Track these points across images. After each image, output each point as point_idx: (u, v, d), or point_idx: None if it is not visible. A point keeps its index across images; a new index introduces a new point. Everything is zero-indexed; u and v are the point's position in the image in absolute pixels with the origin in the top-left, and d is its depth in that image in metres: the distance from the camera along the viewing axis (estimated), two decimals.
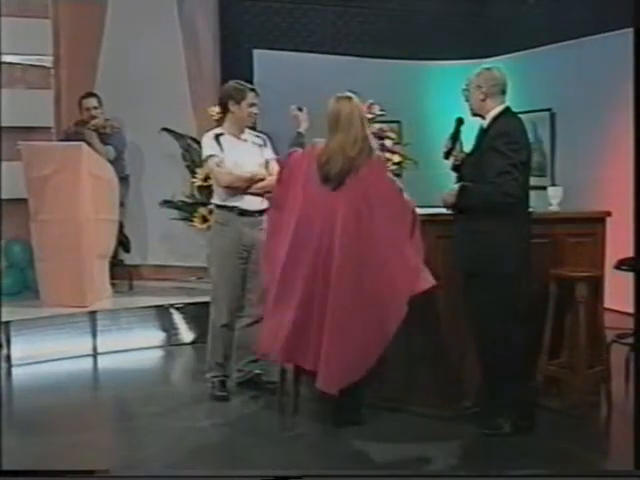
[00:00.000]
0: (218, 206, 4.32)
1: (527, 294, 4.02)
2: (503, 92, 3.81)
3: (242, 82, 4.36)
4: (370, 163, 3.75)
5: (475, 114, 3.86)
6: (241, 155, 4.26)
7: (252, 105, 4.30)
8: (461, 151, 3.91)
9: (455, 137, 3.90)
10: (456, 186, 3.78)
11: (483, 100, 3.78)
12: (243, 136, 4.34)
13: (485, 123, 3.81)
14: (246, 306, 4.35)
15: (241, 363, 4.41)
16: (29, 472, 3.16)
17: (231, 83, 4.38)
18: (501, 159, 3.62)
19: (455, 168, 3.96)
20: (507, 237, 3.67)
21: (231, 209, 4.25)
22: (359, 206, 3.71)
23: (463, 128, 3.93)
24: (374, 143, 3.92)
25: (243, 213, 4.24)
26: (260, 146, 4.38)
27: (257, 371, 4.43)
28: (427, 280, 3.70)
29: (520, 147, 3.70)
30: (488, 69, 3.86)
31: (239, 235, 4.24)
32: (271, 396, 4.19)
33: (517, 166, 3.63)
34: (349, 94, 3.87)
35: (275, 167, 4.27)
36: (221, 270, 4.27)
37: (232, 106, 4.27)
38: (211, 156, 4.24)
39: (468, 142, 3.94)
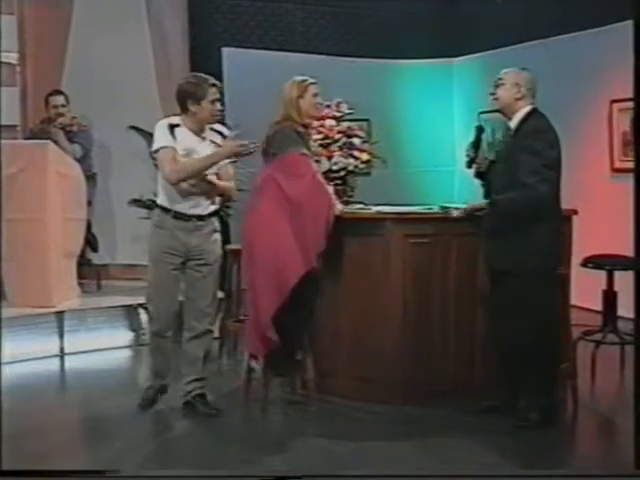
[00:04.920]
0: (157, 206, 3.97)
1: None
2: (534, 95, 3.82)
3: (201, 76, 3.90)
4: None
5: (499, 111, 3.84)
6: (196, 155, 3.84)
7: (214, 102, 3.87)
8: (485, 158, 3.91)
9: (477, 145, 3.92)
10: (484, 201, 3.76)
11: (518, 99, 3.77)
12: (203, 133, 3.91)
13: (513, 123, 3.80)
14: (188, 318, 3.99)
15: (186, 379, 4.01)
16: (31, 472, 3.10)
17: (189, 79, 3.93)
18: (535, 158, 3.62)
19: (479, 175, 3.96)
20: (545, 235, 3.69)
21: (167, 211, 3.88)
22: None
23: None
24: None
25: (178, 217, 3.86)
26: (219, 146, 3.94)
27: (199, 392, 3.99)
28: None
29: (553, 144, 3.71)
30: (526, 70, 3.85)
31: (172, 240, 3.87)
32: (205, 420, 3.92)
33: (549, 166, 3.65)
34: (300, 78, 4.01)
35: (229, 170, 3.99)
36: (152, 275, 3.96)
37: (191, 106, 3.81)
38: (164, 148, 3.79)
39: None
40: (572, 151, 6.72)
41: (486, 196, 3.86)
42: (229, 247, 4.88)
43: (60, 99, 6.11)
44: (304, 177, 3.88)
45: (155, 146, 3.85)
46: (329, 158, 4.56)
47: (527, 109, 3.78)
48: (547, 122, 3.77)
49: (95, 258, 6.38)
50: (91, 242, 6.23)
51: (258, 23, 7.42)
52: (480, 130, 3.96)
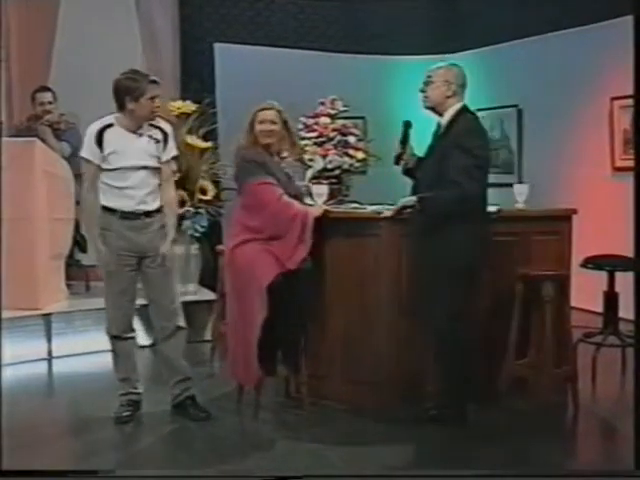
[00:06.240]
0: (102, 207, 3.84)
1: (493, 293, 4.02)
2: (465, 91, 3.77)
3: (140, 72, 3.88)
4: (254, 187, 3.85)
5: (430, 108, 3.78)
6: (129, 157, 3.77)
7: (153, 98, 3.80)
8: (412, 154, 3.85)
9: (405, 141, 3.87)
10: (414, 197, 3.67)
11: (449, 97, 3.71)
12: (140, 130, 3.81)
13: (444, 120, 3.75)
14: (156, 320, 3.96)
15: (170, 383, 4.00)
16: (29, 472, 3.08)
17: (127, 74, 3.82)
18: (467, 158, 3.57)
19: (407, 172, 3.91)
20: (466, 237, 3.62)
21: (113, 212, 3.80)
22: None
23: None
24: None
25: (125, 216, 3.79)
26: (158, 142, 3.84)
27: (187, 394, 3.98)
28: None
29: (484, 144, 3.68)
30: (456, 65, 3.80)
31: (122, 241, 3.80)
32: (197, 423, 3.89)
33: (480, 166, 3.61)
34: (268, 104, 3.95)
35: (171, 168, 3.97)
36: (107, 279, 3.88)
37: (129, 103, 3.73)
38: (87, 162, 3.81)
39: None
40: (572, 149, 6.71)
41: (414, 194, 3.77)
42: (220, 247, 4.78)
43: (47, 96, 6.02)
44: (268, 205, 3.87)
45: (81, 153, 3.88)
46: (324, 157, 4.51)
47: (457, 107, 3.73)
48: (478, 121, 3.75)
49: (84, 259, 6.25)
50: (79, 242, 6.13)
51: (250, 18, 7.33)
52: (407, 125, 3.88)
